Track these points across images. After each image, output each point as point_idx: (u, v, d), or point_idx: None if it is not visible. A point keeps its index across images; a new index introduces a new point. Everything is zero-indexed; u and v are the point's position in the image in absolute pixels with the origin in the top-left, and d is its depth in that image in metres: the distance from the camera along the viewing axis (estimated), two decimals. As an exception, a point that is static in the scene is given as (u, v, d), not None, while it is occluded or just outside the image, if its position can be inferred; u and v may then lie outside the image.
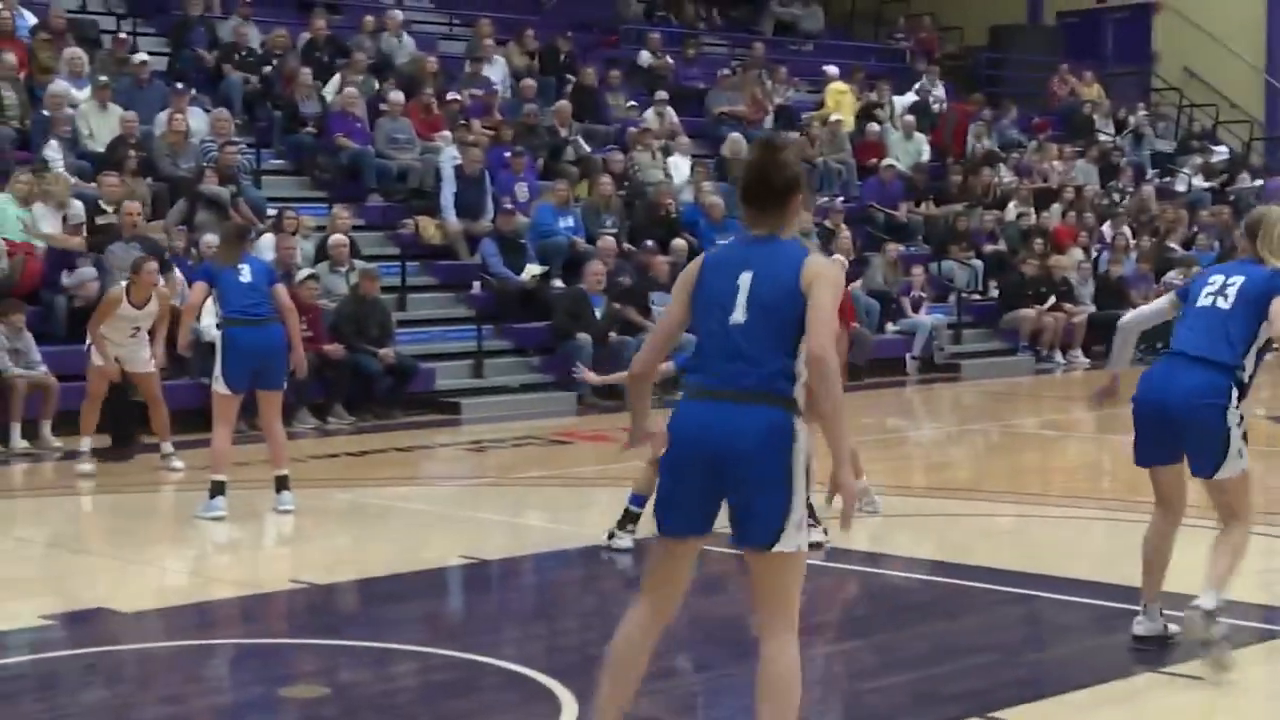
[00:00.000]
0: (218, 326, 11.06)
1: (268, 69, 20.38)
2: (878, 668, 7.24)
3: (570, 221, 19.25)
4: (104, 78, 18.25)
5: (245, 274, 10.67)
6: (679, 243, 19.30)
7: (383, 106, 19.99)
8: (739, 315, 4.98)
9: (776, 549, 4.95)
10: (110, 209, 16.18)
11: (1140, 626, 7.20)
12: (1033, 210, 23.70)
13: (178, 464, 12.88)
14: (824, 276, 4.98)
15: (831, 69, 25.52)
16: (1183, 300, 7.19)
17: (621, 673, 5.10)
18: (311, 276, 16.08)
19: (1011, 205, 23.77)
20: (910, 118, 24.92)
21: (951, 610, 8.38)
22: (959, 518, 11.19)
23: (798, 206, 5.15)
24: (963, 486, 12.73)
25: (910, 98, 25.95)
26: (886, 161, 23.44)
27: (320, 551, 9.78)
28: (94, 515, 11.88)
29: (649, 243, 19.33)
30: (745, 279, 5.01)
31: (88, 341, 13.13)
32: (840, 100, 24.79)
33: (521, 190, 19.61)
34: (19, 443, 14.03)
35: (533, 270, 18.27)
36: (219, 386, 10.66)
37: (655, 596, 5.14)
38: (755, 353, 4.95)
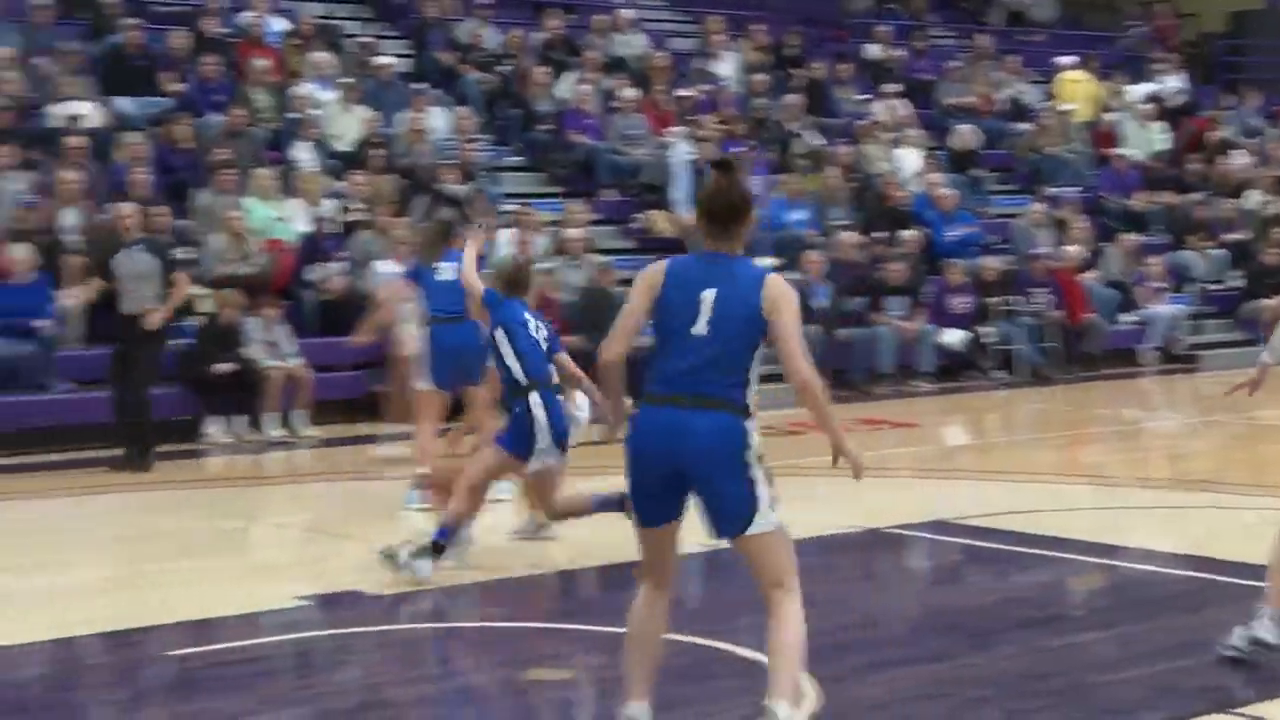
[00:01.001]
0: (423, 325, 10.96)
1: (505, 69, 20.69)
2: (1118, 660, 7.10)
3: (802, 214, 19.23)
4: (349, 80, 18.73)
5: (446, 272, 10.60)
6: (909, 233, 19.14)
7: (615, 103, 20.18)
8: (701, 328, 5.34)
9: (751, 533, 5.36)
10: (357, 206, 16.62)
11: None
12: (1275, 199, 22.98)
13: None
14: (785, 297, 5.36)
15: (1065, 58, 25.06)
16: None
17: (640, 644, 5.53)
18: (548, 270, 16.29)
19: (1252, 193, 23.08)
20: (1147, 106, 24.35)
21: (1193, 604, 8.19)
22: (1200, 510, 10.92)
23: (752, 225, 5.51)
24: (1204, 478, 12.41)
25: (1147, 86, 25.33)
26: (1121, 151, 22.97)
27: (560, 539, 9.89)
28: (347, 501, 12.16)
29: (877, 234, 19.23)
30: (708, 295, 5.34)
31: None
32: (1074, 90, 24.33)
33: (754, 183, 19.63)
34: (273, 431, 14.48)
35: (765, 262, 18.25)
36: (423, 383, 10.79)
37: (652, 577, 5.54)
38: (714, 364, 5.32)
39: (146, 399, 12.94)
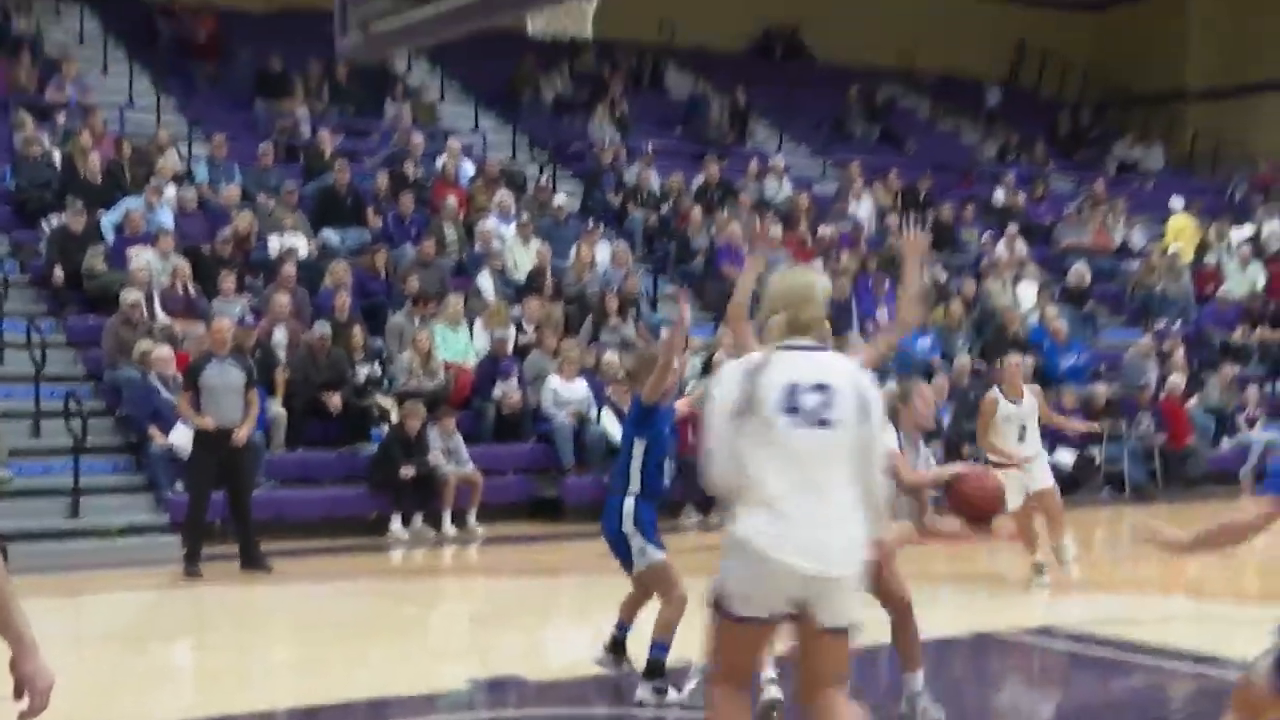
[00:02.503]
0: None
1: (665, 208, 20.89)
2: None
3: (928, 341, 19.14)
4: (527, 216, 19.04)
5: None
6: (1027, 359, 18.93)
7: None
8: None
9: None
10: (531, 328, 16.84)
11: None
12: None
13: None
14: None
15: (1174, 203, 24.79)
16: None
17: None
18: (700, 388, 16.32)
19: (1346, 330, 22.54)
20: (1246, 248, 23.96)
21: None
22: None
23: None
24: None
25: (1246, 230, 24.94)
26: (1223, 289, 22.60)
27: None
28: (513, 593, 12.23)
29: (998, 361, 19.03)
30: None
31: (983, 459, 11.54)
32: (1180, 232, 24.03)
33: (883, 313, 19.59)
34: (449, 529, 14.63)
35: (892, 387, 18.13)
36: None
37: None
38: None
39: (246, 505, 12.75)
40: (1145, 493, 18.58)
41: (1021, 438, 11.63)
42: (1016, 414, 11.66)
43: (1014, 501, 10.49)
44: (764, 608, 4.82)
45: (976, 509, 7.05)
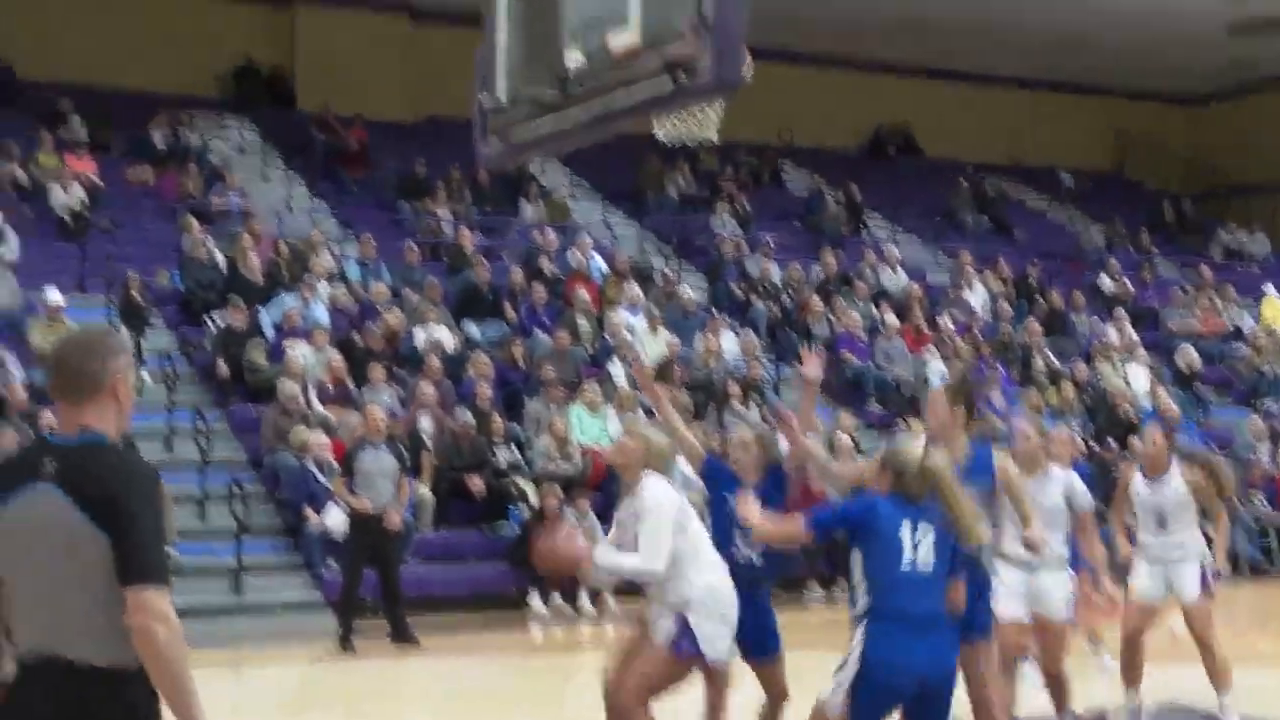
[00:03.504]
0: None
1: (786, 298, 20.87)
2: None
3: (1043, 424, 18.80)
4: (655, 308, 19.11)
5: None
6: (1137, 442, 18.55)
7: (881, 328, 20.17)
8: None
9: None
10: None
11: None
12: None
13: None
14: None
15: (1268, 287, 24.29)
16: None
17: None
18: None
19: None
20: (1353, 329, 23.38)
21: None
22: None
23: None
24: None
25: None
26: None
27: None
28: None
29: (1110, 441, 18.71)
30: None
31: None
32: (1277, 313, 23.54)
33: (998, 397, 19.33)
34: (586, 605, 14.59)
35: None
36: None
37: None
38: None
39: (396, 582, 12.82)
40: (1260, 568, 18.06)
41: (1162, 525, 8.89)
42: (1150, 497, 8.94)
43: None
44: None
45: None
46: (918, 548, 5.60)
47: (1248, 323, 23.60)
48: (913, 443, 5.95)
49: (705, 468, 7.27)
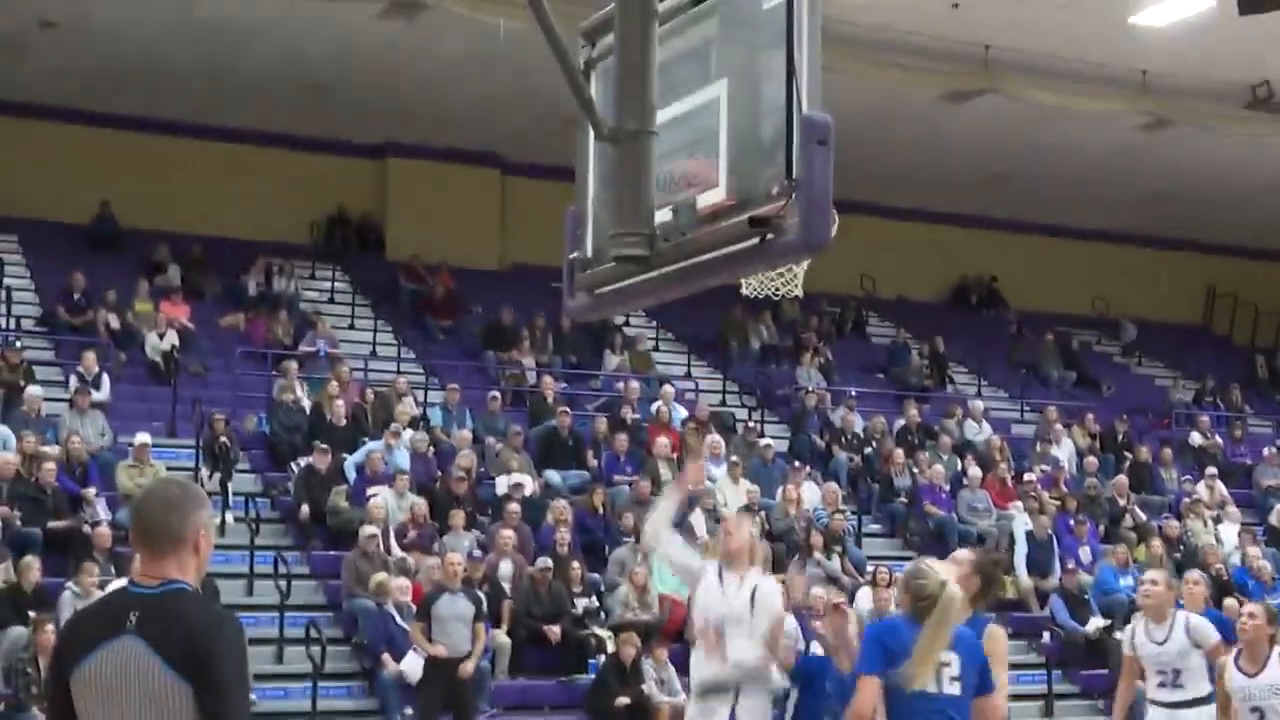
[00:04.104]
0: None
1: (868, 449, 20.81)
2: None
3: (1129, 580, 18.47)
4: (736, 458, 19.11)
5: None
6: (1230, 601, 18.14)
7: (964, 480, 20.03)
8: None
9: None
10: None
11: None
12: None
13: None
14: None
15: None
16: None
17: None
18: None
19: None
20: None
21: None
22: None
23: None
24: None
25: None
26: None
27: None
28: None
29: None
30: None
31: None
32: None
33: (1085, 553, 19.08)
34: (663, 757, 14.42)
35: (1097, 623, 17.62)
36: None
37: None
38: None
39: None
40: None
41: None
42: (1246, 689, 8.08)
43: None
44: None
45: None
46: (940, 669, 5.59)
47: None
48: (937, 567, 5.85)
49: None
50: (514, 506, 16.46)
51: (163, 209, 22.37)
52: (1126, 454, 22.49)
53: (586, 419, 19.68)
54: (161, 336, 19.37)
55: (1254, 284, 29.94)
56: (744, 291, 5.19)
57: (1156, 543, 19.30)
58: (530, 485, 17.57)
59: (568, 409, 19.35)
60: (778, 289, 5.12)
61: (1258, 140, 22.60)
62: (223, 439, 16.99)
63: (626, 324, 23.55)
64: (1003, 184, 25.81)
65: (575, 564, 15.99)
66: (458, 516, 16.22)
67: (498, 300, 22.28)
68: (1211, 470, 22.10)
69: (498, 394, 19.59)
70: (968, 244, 27.81)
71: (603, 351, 22.19)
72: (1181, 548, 19.89)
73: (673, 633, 15.65)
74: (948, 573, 5.77)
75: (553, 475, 18.22)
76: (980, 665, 5.72)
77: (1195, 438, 23.80)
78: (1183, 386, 26.98)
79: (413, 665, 13.75)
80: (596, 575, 16.38)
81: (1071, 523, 19.42)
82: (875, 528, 19.85)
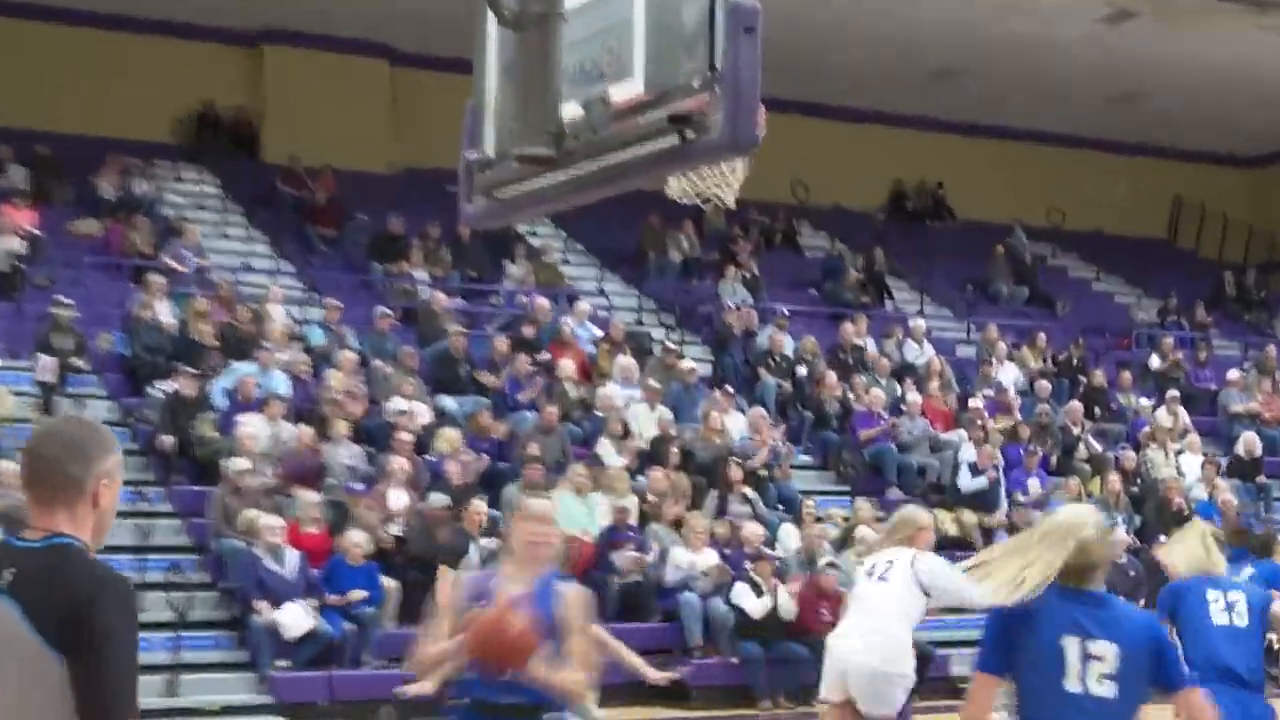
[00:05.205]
0: None
1: (799, 372, 20.94)
2: None
3: (1083, 517, 18.84)
4: (652, 382, 19.19)
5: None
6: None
7: (903, 407, 20.26)
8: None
9: None
10: (654, 499, 16.89)
11: None
12: None
13: None
14: None
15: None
16: None
17: None
18: (832, 564, 16.24)
19: None
20: None
21: None
22: None
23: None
24: None
25: None
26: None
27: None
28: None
29: (1160, 537, 18.71)
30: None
31: None
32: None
33: (1034, 486, 19.41)
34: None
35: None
36: None
37: None
38: None
39: None
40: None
41: None
42: None
43: None
44: None
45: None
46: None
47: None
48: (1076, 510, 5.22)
49: None
50: (404, 436, 16.45)
51: (3, 102, 21.91)
52: (1081, 378, 22.84)
53: (481, 339, 19.65)
54: (3, 245, 19.05)
55: (1223, 194, 30.38)
56: (672, 196, 5.16)
57: (1114, 476, 19.65)
58: (423, 413, 17.55)
59: (465, 328, 19.30)
60: (710, 194, 5.10)
61: (1229, 35, 22.84)
62: (74, 360, 16.79)
63: (531, 234, 23.51)
64: (950, 82, 25.93)
65: (474, 501, 16.00)
66: (341, 447, 16.19)
67: (387, 207, 22.14)
68: (1174, 395, 22.50)
69: (387, 311, 19.49)
70: (911, 148, 27.97)
71: (504, 264, 22.12)
72: (1139, 481, 20.27)
73: (578, 573, 15.73)
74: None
75: (448, 401, 18.21)
76: (1154, 653, 4.88)
77: (1156, 360, 24.21)
78: (1144, 305, 27.39)
79: (289, 616, 13.78)
80: (497, 512, 16.42)
81: (1022, 453, 19.71)
82: (805, 459, 20.05)
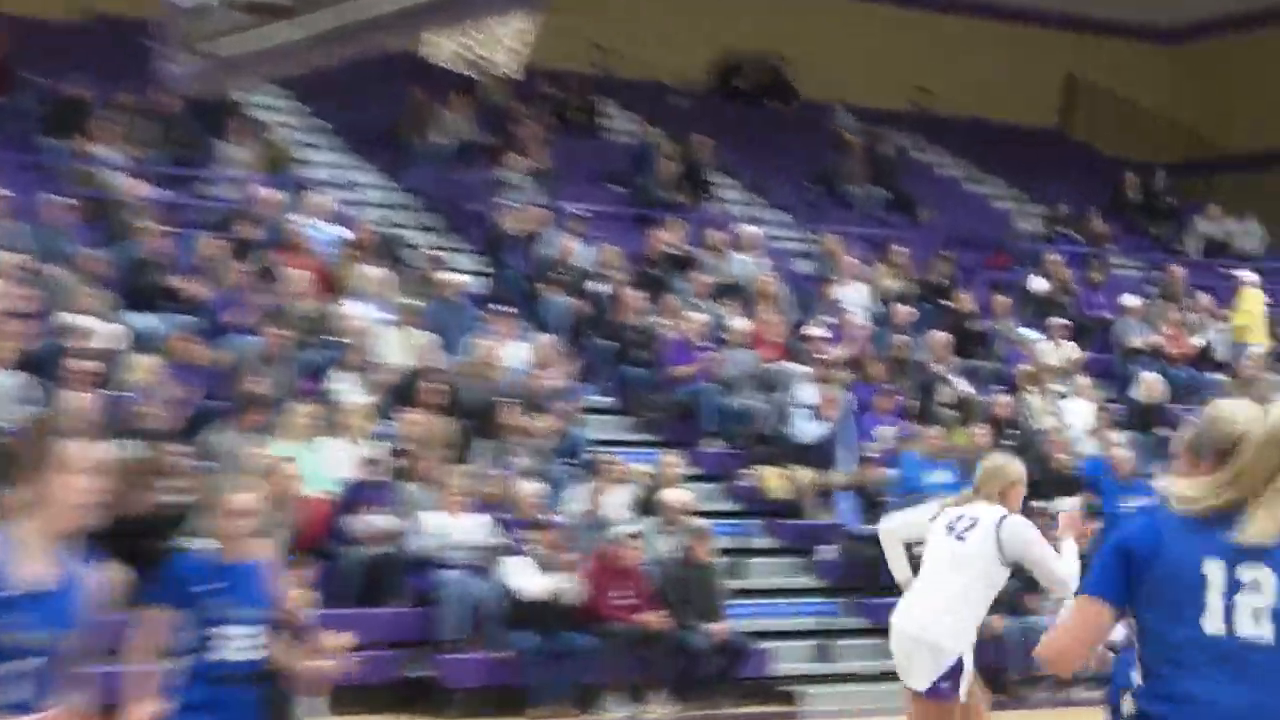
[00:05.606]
0: None
1: (598, 290, 21.07)
2: None
3: (944, 475, 19.19)
4: (408, 299, 19.22)
5: None
6: (1074, 501, 19.08)
7: (725, 336, 20.54)
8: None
9: None
10: (407, 449, 16.89)
11: None
12: None
13: None
14: None
15: (1244, 274, 25.13)
16: None
17: None
18: (632, 535, 16.45)
19: None
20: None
21: None
22: None
23: None
24: None
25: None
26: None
27: None
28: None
29: (1038, 503, 19.21)
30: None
31: None
32: (1252, 314, 24.54)
33: (887, 436, 19.75)
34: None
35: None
36: None
37: None
38: None
39: None
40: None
41: None
42: None
43: None
44: None
45: None
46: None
47: (1229, 345, 24.43)
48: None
49: None
50: (86, 364, 16.28)
51: None
52: (947, 302, 23.22)
53: (187, 239, 19.46)
54: None
55: (1130, 74, 30.85)
56: (440, 62, 5.29)
57: (984, 425, 19.97)
58: (110, 333, 17.36)
59: (167, 225, 19.15)
60: (484, 62, 5.22)
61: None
62: None
63: (257, 105, 23.31)
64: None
65: (172, 446, 15.85)
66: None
67: (66, 65, 21.79)
68: (1060, 323, 23.08)
69: (65, 200, 19.25)
70: (744, 10, 28.10)
71: (218, 144, 21.91)
72: (1015, 432, 20.65)
73: (310, 545, 15.69)
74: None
75: (142, 319, 18.02)
76: None
77: (1040, 282, 24.70)
78: (1027, 212, 27.92)
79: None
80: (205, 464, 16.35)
81: (872, 395, 20.08)
82: (601, 400, 20.22)
